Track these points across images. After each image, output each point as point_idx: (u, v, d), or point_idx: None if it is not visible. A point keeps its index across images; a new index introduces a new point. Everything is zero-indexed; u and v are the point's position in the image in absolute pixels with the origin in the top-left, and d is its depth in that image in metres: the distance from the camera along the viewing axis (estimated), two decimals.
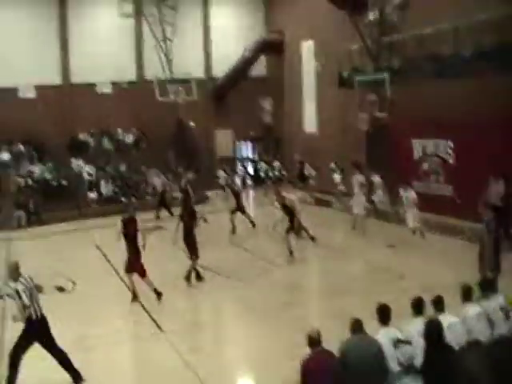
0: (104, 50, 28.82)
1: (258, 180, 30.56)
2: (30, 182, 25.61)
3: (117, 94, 29.62)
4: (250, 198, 27.59)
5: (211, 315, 12.79)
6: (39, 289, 9.13)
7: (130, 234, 12.61)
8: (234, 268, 15.08)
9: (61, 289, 13.85)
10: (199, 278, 14.02)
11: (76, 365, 9.00)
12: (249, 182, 31.00)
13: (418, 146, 20.06)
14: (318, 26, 26.34)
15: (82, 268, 16.07)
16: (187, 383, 8.82)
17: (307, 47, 28.23)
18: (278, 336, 10.29)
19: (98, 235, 20.25)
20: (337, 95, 24.26)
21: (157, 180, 25.63)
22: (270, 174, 28.46)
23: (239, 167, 31.87)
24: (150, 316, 11.70)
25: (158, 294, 12.46)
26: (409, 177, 18.82)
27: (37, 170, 26.44)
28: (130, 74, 30.00)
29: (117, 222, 12.84)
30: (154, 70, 28.52)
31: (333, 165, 23.13)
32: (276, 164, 28.64)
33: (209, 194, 26.91)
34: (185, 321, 11.72)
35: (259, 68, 31.90)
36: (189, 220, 14.17)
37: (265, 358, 9.44)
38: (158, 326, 11.12)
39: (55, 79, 28.80)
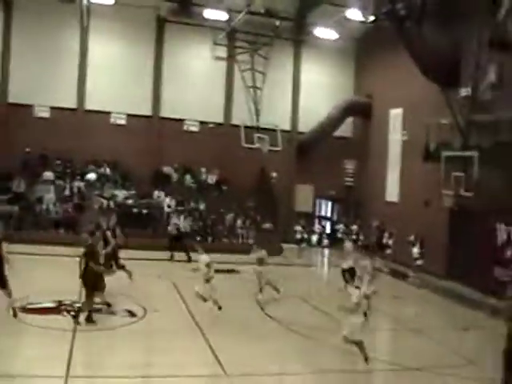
0: (195, 89, 29.97)
1: (334, 240, 30.45)
2: (112, 204, 26.52)
3: (203, 133, 30.47)
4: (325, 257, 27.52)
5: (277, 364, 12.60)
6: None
7: None
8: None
9: (131, 313, 14.40)
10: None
11: None
12: (325, 241, 30.93)
13: (502, 231, 19.65)
14: (408, 95, 26.25)
15: (152, 296, 16.42)
16: None
17: (395, 115, 28.18)
18: None
19: (172, 266, 20.83)
20: (422, 167, 23.91)
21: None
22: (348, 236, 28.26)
23: (317, 225, 31.89)
24: (215, 356, 11.73)
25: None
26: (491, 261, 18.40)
27: (120, 194, 27.37)
28: (218, 116, 30.81)
29: None
30: (241, 115, 29.24)
31: (412, 238, 22.85)
32: (354, 227, 28.56)
33: (284, 246, 26.95)
34: (251, 366, 11.60)
35: (345, 128, 32.09)
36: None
37: None
38: (223, 368, 11.10)
39: (146, 110, 30.06)
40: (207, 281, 14.64)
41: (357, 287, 12.21)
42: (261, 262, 17.21)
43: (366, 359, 11.34)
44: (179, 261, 22.59)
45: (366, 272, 15.52)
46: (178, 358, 11.37)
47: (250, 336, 13.28)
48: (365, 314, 15.35)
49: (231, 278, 20.23)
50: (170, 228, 24.49)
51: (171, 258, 23.06)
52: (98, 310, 14.20)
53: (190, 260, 22.37)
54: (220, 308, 14.50)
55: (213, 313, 14.63)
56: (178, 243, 23.51)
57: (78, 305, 14.17)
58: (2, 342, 11.62)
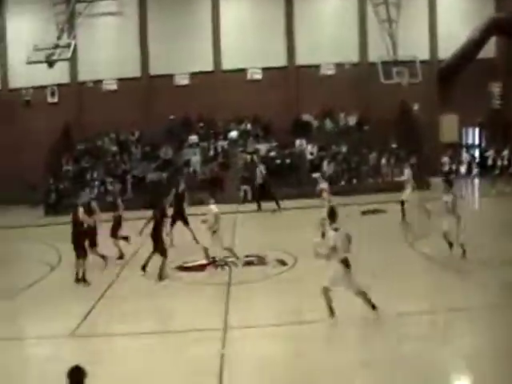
0: (327, 32, 29.33)
1: (484, 168, 28.90)
2: (255, 158, 27.08)
3: (340, 75, 29.85)
4: (475, 187, 26.21)
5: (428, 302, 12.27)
6: None
7: None
8: None
9: (282, 262, 14.72)
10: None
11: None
12: (475, 170, 29.46)
13: None
14: None
15: (302, 244, 16.61)
16: None
17: None
18: None
19: (318, 213, 20.82)
20: None
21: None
22: (499, 162, 26.69)
23: (464, 154, 30.40)
24: None
25: None
26: None
27: (262, 147, 27.81)
28: (353, 56, 29.98)
29: None
30: (377, 51, 28.12)
31: None
32: (505, 153, 26.81)
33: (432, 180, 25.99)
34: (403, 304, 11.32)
35: (488, 49, 29.77)
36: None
37: None
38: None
39: (281, 61, 29.92)
40: (214, 232, 14.29)
41: None
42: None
43: None
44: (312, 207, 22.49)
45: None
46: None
47: (399, 274, 12.99)
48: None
49: (377, 218, 19.90)
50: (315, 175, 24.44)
51: (258, 209, 23.03)
52: (251, 263, 14.72)
53: (279, 208, 22.44)
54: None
55: (364, 255, 14.50)
56: (265, 192, 23.44)
57: (230, 259, 14.73)
58: (162, 300, 12.48)
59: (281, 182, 25.38)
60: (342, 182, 25.79)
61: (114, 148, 28.95)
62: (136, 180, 26.48)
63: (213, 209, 14.46)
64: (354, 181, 25.84)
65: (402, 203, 18.23)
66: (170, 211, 15.96)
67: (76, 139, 30.09)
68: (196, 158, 27.51)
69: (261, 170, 24.55)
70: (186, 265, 14.95)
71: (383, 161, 26.44)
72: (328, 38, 29.33)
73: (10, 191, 27.98)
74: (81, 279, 13.67)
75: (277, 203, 22.73)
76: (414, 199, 18.34)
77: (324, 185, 17.86)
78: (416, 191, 18.67)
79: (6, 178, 28.18)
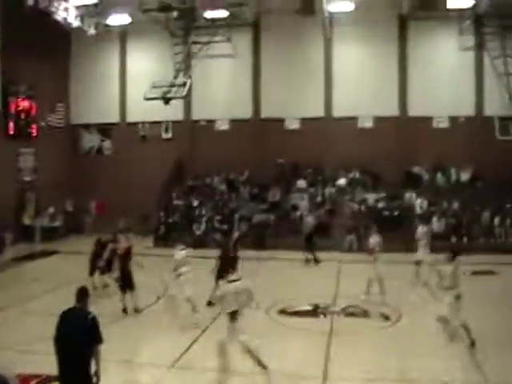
0: (442, 84, 28.69)
1: None
2: (363, 208, 26.76)
3: (454, 129, 29.02)
4: None
5: None
6: None
7: None
8: None
9: (386, 317, 14.33)
10: None
11: None
12: None
13: None
14: None
15: (407, 300, 16.16)
16: None
17: None
18: None
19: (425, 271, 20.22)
20: None
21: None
22: None
23: None
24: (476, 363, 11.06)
25: None
26: None
27: (370, 197, 27.49)
28: (468, 109, 29.03)
29: None
30: (494, 105, 27.29)
31: None
32: None
33: None
34: None
35: None
36: None
37: None
38: (486, 378, 10.33)
39: (393, 111, 29.59)
40: (178, 276, 13.89)
41: None
42: None
43: None
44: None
45: None
46: (432, 363, 10.97)
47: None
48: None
49: (489, 280, 19.01)
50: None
51: (307, 260, 22.48)
52: (353, 314, 14.46)
53: (316, 261, 22.05)
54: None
55: (472, 318, 13.88)
56: (311, 242, 22.98)
57: (333, 308, 14.53)
58: (265, 341, 12.41)
59: (388, 235, 24.81)
60: (453, 240, 24.87)
61: (223, 187, 29.59)
62: (243, 220, 26.83)
63: (176, 254, 14.19)
64: (465, 239, 24.85)
65: None
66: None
67: (187, 175, 31.05)
68: (304, 203, 27.56)
69: (310, 221, 24.05)
70: (289, 309, 14.91)
71: (496, 220, 25.32)
72: (443, 89, 28.70)
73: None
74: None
75: (314, 256, 22.48)
76: None
77: (375, 239, 17.28)
78: None
79: (120, 208, 29.35)
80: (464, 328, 10.05)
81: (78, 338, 6.92)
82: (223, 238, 22.14)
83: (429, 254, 17.86)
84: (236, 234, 18.96)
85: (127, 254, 15.03)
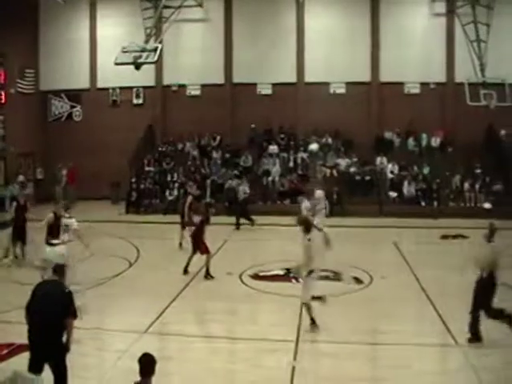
0: (413, 50, 28.77)
1: None
2: (335, 173, 26.87)
3: (425, 94, 29.22)
4: None
5: None
6: None
7: None
8: None
9: (358, 280, 14.51)
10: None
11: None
12: None
13: None
14: None
15: (378, 263, 16.39)
16: None
17: None
18: None
19: (396, 234, 20.53)
20: None
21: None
22: None
23: None
24: (444, 324, 11.31)
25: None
26: None
27: (343, 162, 27.59)
28: (439, 75, 29.20)
29: None
30: (464, 72, 27.23)
31: None
32: None
33: None
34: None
35: None
36: None
37: None
38: (453, 338, 10.65)
39: (365, 77, 29.58)
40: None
41: None
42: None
43: None
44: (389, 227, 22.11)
45: None
46: (404, 326, 11.18)
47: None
48: None
49: (459, 244, 19.33)
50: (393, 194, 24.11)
51: (237, 226, 22.56)
52: (326, 277, 14.58)
53: (252, 224, 22.45)
54: None
55: (441, 279, 14.18)
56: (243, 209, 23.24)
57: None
58: (238, 306, 12.53)
59: (360, 199, 25.13)
60: (423, 204, 25.19)
61: (195, 152, 29.41)
62: (215, 185, 26.76)
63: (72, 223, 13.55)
64: (435, 203, 25.17)
65: None
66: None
67: (159, 141, 30.81)
68: (276, 169, 27.57)
69: (244, 189, 24.13)
70: (261, 274, 15.00)
71: (466, 185, 25.65)
72: (414, 55, 28.75)
73: (94, 187, 28.98)
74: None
75: (250, 219, 22.84)
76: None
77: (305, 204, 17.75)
78: None
79: (91, 175, 29.16)
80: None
81: (52, 311, 6.91)
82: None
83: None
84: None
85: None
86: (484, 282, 10.08)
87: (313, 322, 10.84)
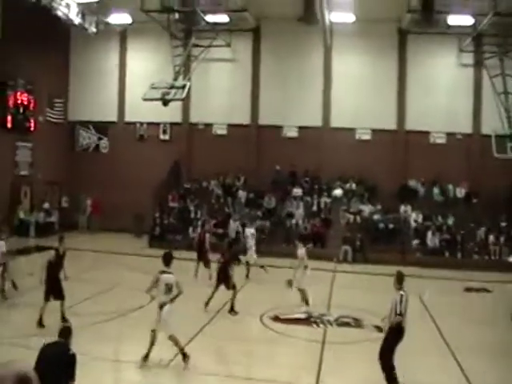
0: (440, 100, 28.95)
1: None
2: (358, 219, 26.77)
3: (451, 144, 29.20)
4: None
5: None
6: None
7: None
8: None
9: (379, 328, 14.28)
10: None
11: None
12: None
13: None
14: None
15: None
16: None
17: None
18: None
19: (419, 284, 20.24)
20: None
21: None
22: None
23: None
24: (466, 377, 11.02)
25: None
26: None
27: (366, 209, 27.52)
28: (465, 126, 29.17)
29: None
30: (491, 124, 27.19)
31: None
32: None
33: None
34: None
35: None
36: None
37: None
38: None
39: (391, 124, 29.72)
40: None
41: None
42: None
43: None
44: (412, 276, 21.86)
45: None
46: (426, 378, 11.00)
47: (505, 359, 12.25)
48: None
49: (483, 297, 19.04)
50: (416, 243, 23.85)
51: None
52: (347, 324, 14.42)
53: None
54: None
55: (462, 333, 13.92)
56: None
57: (326, 318, 14.51)
58: (257, 348, 12.40)
59: (383, 247, 24.92)
60: (446, 255, 24.95)
61: (219, 191, 29.55)
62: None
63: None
64: (459, 255, 24.91)
65: None
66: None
67: (184, 178, 31.04)
68: (299, 212, 27.58)
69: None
70: (282, 316, 14.86)
71: (491, 238, 25.38)
72: (441, 105, 28.87)
73: (117, 219, 29.18)
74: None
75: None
76: None
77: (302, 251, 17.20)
78: None
79: (115, 206, 29.39)
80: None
81: (53, 374, 6.85)
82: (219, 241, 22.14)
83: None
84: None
85: None
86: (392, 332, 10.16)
87: (183, 354, 10.66)
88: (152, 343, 10.52)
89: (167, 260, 11.12)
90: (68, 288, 12.85)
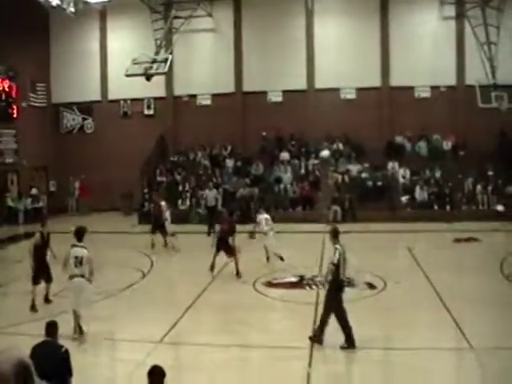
0: (423, 54, 28.66)
1: None
2: (346, 179, 26.83)
3: (435, 98, 29.08)
4: None
5: None
6: None
7: None
8: None
9: (371, 286, 14.46)
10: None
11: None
12: None
13: None
14: None
15: (391, 269, 16.33)
16: None
17: None
18: None
19: (409, 238, 20.45)
20: None
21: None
22: None
23: None
24: (459, 328, 11.23)
25: None
26: None
27: (354, 168, 27.55)
28: (449, 79, 29.02)
29: None
30: (475, 74, 27.13)
31: None
32: None
33: None
34: (497, 340, 10.86)
35: None
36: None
37: None
38: (468, 342, 10.53)
39: (375, 82, 29.51)
40: None
41: None
42: None
43: None
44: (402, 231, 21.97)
45: None
46: (419, 332, 11.16)
47: (497, 308, 12.42)
48: None
49: (473, 247, 19.23)
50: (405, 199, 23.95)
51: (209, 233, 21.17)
52: None
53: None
54: None
55: (453, 284, 14.11)
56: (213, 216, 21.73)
57: (319, 279, 14.64)
58: (251, 315, 12.53)
59: (372, 205, 25.04)
60: (435, 208, 25.11)
61: (206, 162, 29.51)
62: (227, 194, 26.82)
63: None
64: (448, 207, 25.06)
65: None
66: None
67: (170, 151, 30.96)
68: (287, 176, 27.61)
69: (215, 195, 24.41)
70: (274, 281, 15.00)
71: (479, 188, 25.51)
72: (424, 59, 28.60)
73: (106, 199, 29.18)
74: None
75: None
76: None
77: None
78: None
79: (103, 186, 29.34)
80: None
81: (50, 373, 6.80)
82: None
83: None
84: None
85: None
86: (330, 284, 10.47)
87: (80, 329, 10.78)
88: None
89: (79, 235, 11.14)
90: (57, 271, 12.84)
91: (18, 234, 22.40)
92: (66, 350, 6.79)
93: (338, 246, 10.50)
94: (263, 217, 17.83)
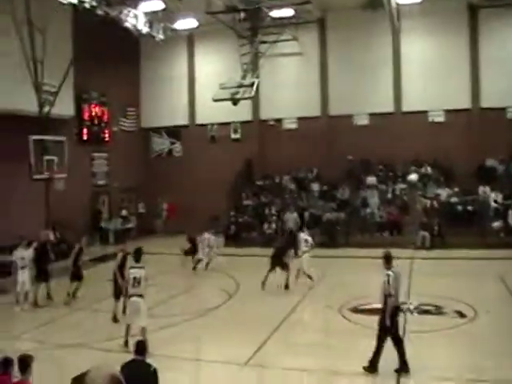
0: None
1: None
2: (435, 204, 26.13)
3: None
4: None
5: None
6: None
7: None
8: None
9: (461, 314, 13.98)
10: None
11: None
12: None
13: None
14: None
15: (483, 297, 15.71)
16: None
17: None
18: None
19: (501, 266, 19.60)
20: None
21: None
22: None
23: None
24: None
25: None
26: None
27: (443, 193, 26.81)
28: None
29: None
30: None
31: None
32: None
33: None
34: None
35: None
36: None
37: None
38: None
39: (464, 103, 28.61)
40: None
41: None
42: None
43: None
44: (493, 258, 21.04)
45: None
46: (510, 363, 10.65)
47: None
48: None
49: None
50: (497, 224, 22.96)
51: None
52: (427, 311, 14.19)
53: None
54: None
55: None
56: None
57: (407, 306, 14.30)
58: (337, 340, 12.39)
59: (462, 230, 24.19)
60: None
61: (292, 185, 29.58)
62: (313, 218, 26.72)
63: None
64: None
65: None
66: None
67: (256, 175, 31.30)
68: (374, 200, 27.24)
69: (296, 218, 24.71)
70: (360, 307, 14.78)
71: None
72: None
73: (195, 222, 29.61)
74: None
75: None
76: None
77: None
78: None
79: (192, 209, 29.89)
80: None
81: None
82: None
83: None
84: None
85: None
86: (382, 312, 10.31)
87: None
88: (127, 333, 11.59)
89: (137, 256, 11.99)
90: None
91: (107, 254, 23.18)
92: (155, 370, 6.81)
93: (389, 272, 10.30)
94: (303, 237, 17.67)
